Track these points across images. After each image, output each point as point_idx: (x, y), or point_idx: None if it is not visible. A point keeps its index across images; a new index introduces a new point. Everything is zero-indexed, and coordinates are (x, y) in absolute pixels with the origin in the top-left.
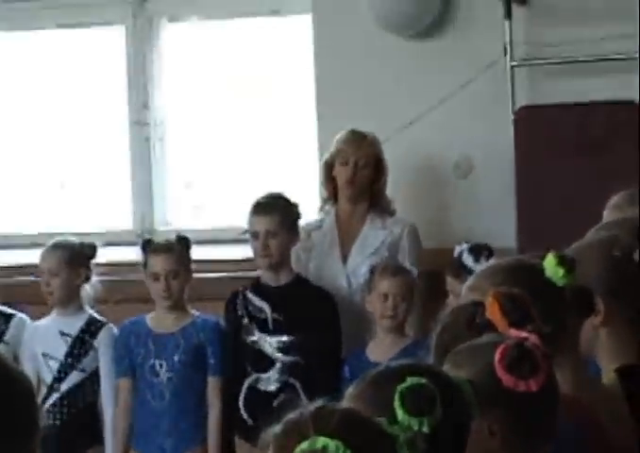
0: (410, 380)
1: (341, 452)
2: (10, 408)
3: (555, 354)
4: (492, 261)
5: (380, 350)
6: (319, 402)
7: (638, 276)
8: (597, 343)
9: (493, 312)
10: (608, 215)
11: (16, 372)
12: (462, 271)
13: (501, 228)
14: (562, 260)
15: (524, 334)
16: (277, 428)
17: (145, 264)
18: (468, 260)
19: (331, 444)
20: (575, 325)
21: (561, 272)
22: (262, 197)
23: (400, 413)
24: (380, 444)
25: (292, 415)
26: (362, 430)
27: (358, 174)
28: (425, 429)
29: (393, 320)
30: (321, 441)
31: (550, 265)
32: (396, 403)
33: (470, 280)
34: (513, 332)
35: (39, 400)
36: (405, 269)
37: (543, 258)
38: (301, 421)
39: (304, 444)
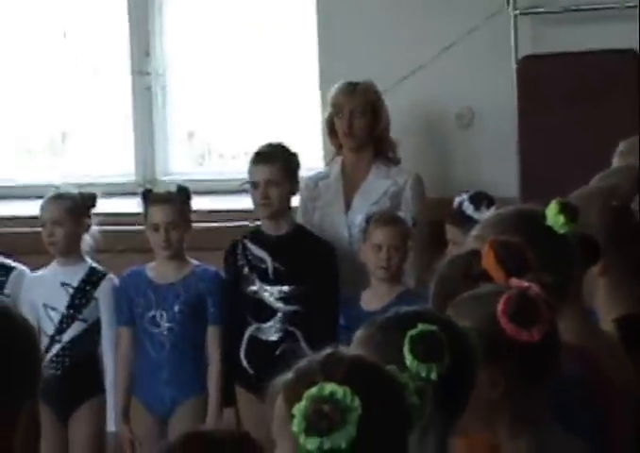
0: (420, 327)
1: (349, 399)
2: (13, 354)
3: (558, 303)
4: (496, 211)
5: (374, 299)
6: (329, 349)
7: (636, 226)
8: (596, 292)
9: (488, 262)
10: (616, 162)
11: (20, 319)
12: (462, 219)
13: (503, 178)
14: (564, 208)
15: (525, 284)
16: (287, 376)
17: (146, 215)
18: (469, 208)
19: (339, 390)
20: (579, 274)
21: (562, 219)
22: (263, 146)
23: (409, 359)
24: (389, 392)
25: (301, 363)
26: (370, 378)
27: (354, 123)
28: (433, 376)
29: (386, 271)
30: (329, 387)
31: (552, 213)
32: (406, 348)
33: (475, 230)
34: (514, 282)
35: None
36: (399, 219)
37: (546, 206)
38: (311, 368)
39: (312, 390)
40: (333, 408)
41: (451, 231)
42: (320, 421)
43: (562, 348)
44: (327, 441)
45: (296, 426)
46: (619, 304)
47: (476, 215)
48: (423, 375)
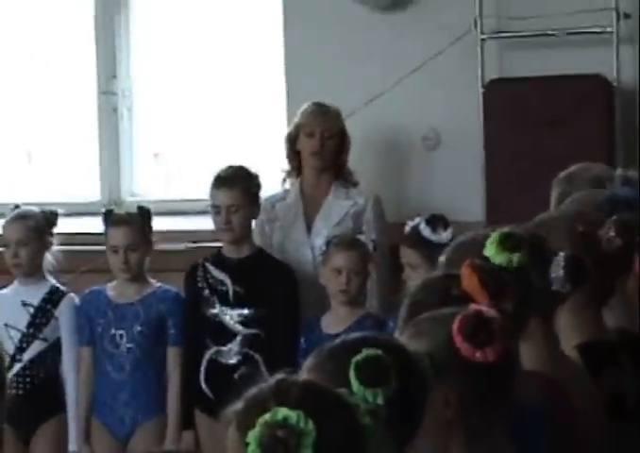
0: (365, 352)
1: (303, 423)
2: None
3: (519, 330)
4: (460, 236)
5: (334, 322)
6: (279, 375)
7: (601, 253)
8: (558, 318)
9: (471, 285)
10: (555, 191)
11: None
12: (419, 242)
13: (469, 202)
14: (502, 239)
15: (484, 307)
16: (238, 404)
17: (106, 236)
18: (425, 230)
19: (293, 414)
20: (544, 303)
21: (494, 249)
22: (223, 170)
23: (356, 385)
24: (342, 414)
25: (252, 390)
26: (322, 401)
27: (325, 145)
28: (379, 401)
29: (346, 294)
30: (282, 412)
31: (490, 243)
32: (352, 374)
33: (445, 253)
34: (473, 305)
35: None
36: (359, 242)
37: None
38: (262, 394)
39: (266, 416)
40: (288, 433)
41: (407, 254)
42: (276, 447)
43: (526, 375)
44: None
45: None
46: (582, 330)
47: (433, 237)
48: (369, 399)
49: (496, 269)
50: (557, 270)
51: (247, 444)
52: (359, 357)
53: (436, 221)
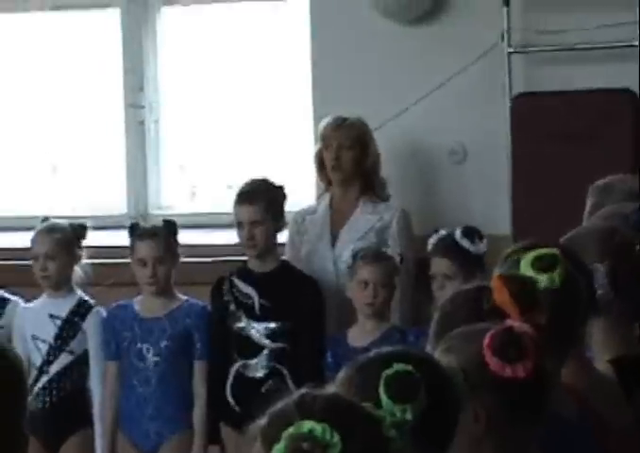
0: (395, 367)
1: (328, 435)
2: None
3: (563, 346)
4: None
5: (361, 335)
6: (303, 389)
7: (637, 268)
8: (593, 332)
9: (502, 298)
10: (590, 201)
11: (6, 351)
12: (455, 252)
13: (495, 216)
14: (535, 260)
15: (517, 323)
16: (262, 420)
17: (132, 249)
18: (463, 241)
19: (318, 427)
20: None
21: (530, 272)
22: (245, 185)
23: (384, 399)
24: (367, 427)
25: (276, 405)
26: (347, 413)
27: (341, 157)
28: (408, 417)
29: (372, 307)
30: (307, 424)
31: (524, 264)
32: (381, 389)
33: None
34: (508, 321)
35: (28, 383)
36: (386, 256)
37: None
38: (286, 409)
39: (290, 429)
40: (313, 445)
41: (441, 264)
42: None
43: (561, 390)
44: None
45: None
46: (616, 345)
47: (472, 248)
48: (398, 415)
49: (527, 282)
50: (600, 279)
51: None
52: (389, 371)
53: (472, 232)
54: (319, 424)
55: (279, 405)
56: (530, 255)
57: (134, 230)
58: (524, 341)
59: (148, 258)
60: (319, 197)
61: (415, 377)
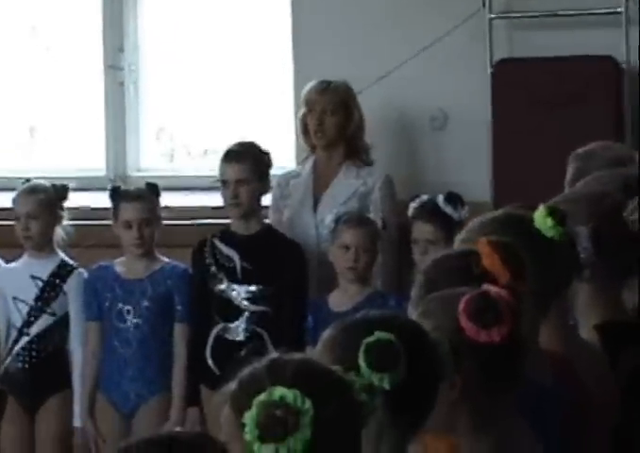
0: (377, 335)
1: (299, 401)
2: None
3: (541, 309)
4: (483, 215)
5: (342, 300)
6: (273, 355)
7: (623, 234)
8: (577, 298)
9: (493, 263)
10: (571, 168)
11: None
12: (438, 217)
13: (475, 181)
14: (552, 212)
15: (493, 287)
16: (231, 385)
17: (116, 212)
18: (447, 207)
19: (289, 393)
20: (564, 280)
21: (550, 223)
22: (234, 145)
23: (363, 366)
24: (338, 391)
25: (246, 371)
26: (318, 379)
27: (325, 121)
28: (385, 385)
29: (353, 271)
30: (278, 391)
31: (540, 216)
32: (360, 356)
33: (462, 233)
34: (487, 286)
35: (8, 344)
36: (369, 220)
37: (532, 210)
38: (256, 374)
39: (262, 396)
40: (286, 412)
41: (424, 229)
42: (274, 427)
43: (540, 356)
44: (282, 446)
45: (249, 434)
46: (601, 310)
47: (455, 214)
48: (375, 383)
49: (515, 248)
50: (583, 241)
51: (244, 425)
52: (370, 338)
53: (455, 198)
54: (290, 390)
55: (249, 370)
56: (544, 208)
57: (117, 193)
58: (500, 305)
59: (134, 220)
60: (302, 162)
61: (396, 347)
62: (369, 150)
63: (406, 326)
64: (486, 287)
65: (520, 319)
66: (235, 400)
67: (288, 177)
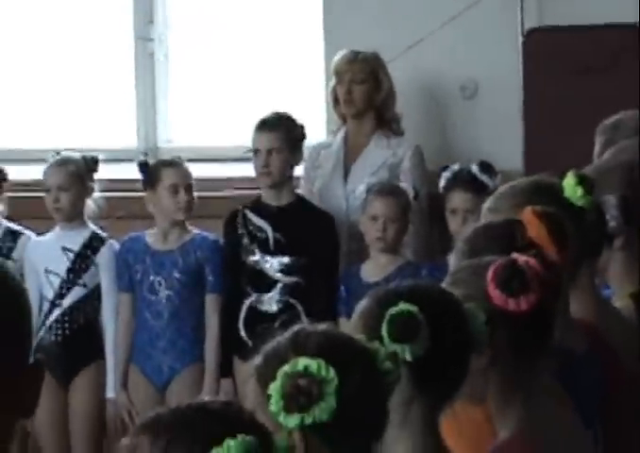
0: (401, 306)
1: (324, 371)
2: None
3: (572, 277)
4: (509, 183)
5: (374, 270)
6: (296, 327)
7: None
8: (611, 267)
9: (539, 234)
10: (600, 140)
11: (12, 285)
12: (475, 187)
13: (506, 151)
14: (581, 180)
15: (522, 256)
16: (257, 359)
17: (153, 180)
18: (483, 176)
19: (313, 363)
20: (595, 248)
21: (580, 192)
22: (268, 115)
23: (385, 337)
24: (361, 360)
25: (270, 343)
26: (341, 348)
27: (354, 90)
28: (407, 357)
29: (382, 241)
30: (302, 362)
31: (570, 185)
32: (383, 327)
33: (489, 202)
34: (517, 256)
35: (41, 316)
36: (399, 190)
37: (561, 178)
38: (280, 347)
39: (286, 367)
40: (310, 381)
41: (464, 199)
42: (299, 396)
43: (572, 324)
44: (308, 416)
45: (274, 405)
46: (636, 278)
47: (490, 183)
48: (398, 354)
49: (560, 218)
50: (611, 210)
51: (269, 397)
52: (393, 310)
53: (488, 167)
54: (314, 360)
55: (274, 343)
56: (574, 175)
57: (145, 166)
58: (527, 274)
59: (182, 183)
60: (334, 132)
61: (417, 319)
62: (399, 120)
63: (433, 296)
64: (515, 255)
65: (550, 288)
66: (260, 372)
67: (319, 148)
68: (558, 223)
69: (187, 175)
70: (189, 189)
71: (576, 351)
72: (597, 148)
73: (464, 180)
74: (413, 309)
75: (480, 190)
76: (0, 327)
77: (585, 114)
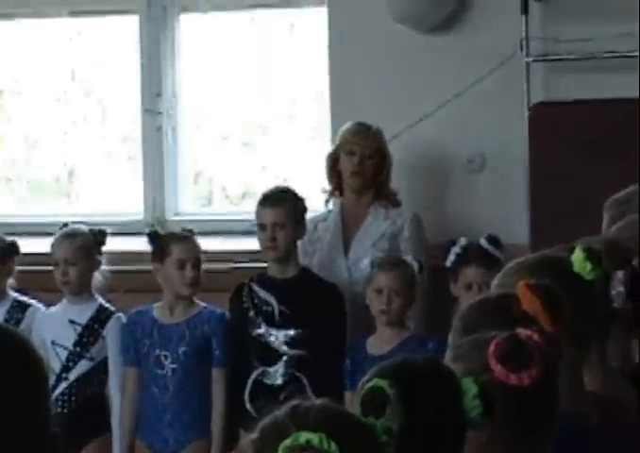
0: (373, 381)
1: (325, 444)
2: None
3: (583, 351)
4: (517, 259)
5: (379, 343)
6: (293, 401)
7: None
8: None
9: (534, 307)
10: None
11: (31, 349)
12: (487, 261)
13: (513, 224)
14: (589, 254)
15: (524, 330)
16: (254, 433)
17: (162, 254)
18: (492, 249)
19: (314, 437)
20: (607, 320)
21: (589, 266)
22: (271, 190)
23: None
24: (361, 434)
25: (267, 419)
26: (341, 422)
27: (365, 164)
28: (379, 431)
29: (387, 314)
30: (304, 435)
31: (578, 259)
32: (357, 402)
33: (497, 278)
34: (520, 329)
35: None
36: (403, 263)
37: (570, 252)
38: (279, 421)
39: (287, 441)
40: None
41: (478, 274)
42: None
43: (583, 397)
44: None
45: None
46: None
47: (500, 256)
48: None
49: (555, 291)
50: (617, 286)
51: None
52: (368, 385)
53: (495, 240)
54: (315, 434)
55: (271, 418)
56: (582, 250)
57: (163, 235)
58: (530, 348)
59: (188, 259)
60: (325, 204)
61: (384, 394)
62: (396, 193)
63: (414, 371)
64: (519, 330)
65: (553, 362)
66: (258, 447)
67: (315, 221)
68: (551, 295)
69: (195, 249)
70: (197, 264)
71: (586, 422)
72: (604, 224)
73: (477, 255)
74: (383, 383)
75: (492, 264)
76: (23, 398)
77: (592, 189)
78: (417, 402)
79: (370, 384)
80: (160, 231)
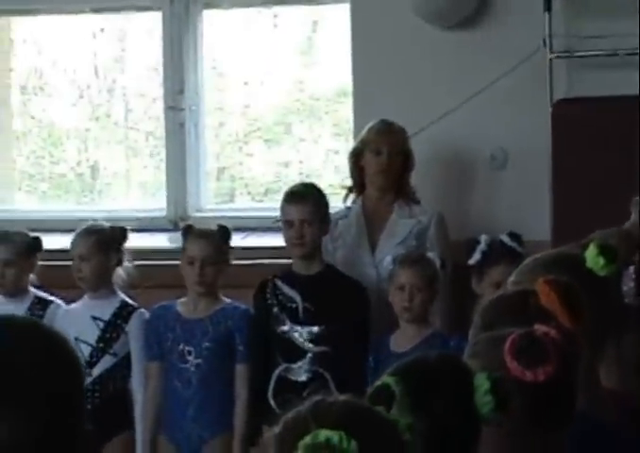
0: (384, 378)
1: (345, 443)
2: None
3: (598, 348)
4: (532, 256)
5: (402, 341)
6: (316, 397)
7: None
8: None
9: (552, 303)
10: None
11: (67, 345)
12: (514, 258)
13: (535, 221)
14: (603, 250)
15: (540, 326)
16: (276, 428)
17: (184, 249)
18: (515, 245)
19: (334, 435)
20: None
21: (602, 262)
22: (296, 186)
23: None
24: (383, 431)
25: (289, 414)
26: (362, 419)
27: (393, 162)
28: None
29: (409, 311)
30: (323, 433)
31: (592, 255)
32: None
33: (513, 275)
34: (537, 326)
35: None
36: (425, 259)
37: (584, 248)
38: (300, 417)
39: (307, 439)
40: None
41: (507, 272)
42: None
43: (600, 394)
44: None
45: None
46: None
47: (523, 252)
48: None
49: (574, 287)
50: (628, 282)
51: None
52: (378, 382)
53: (517, 236)
54: (335, 432)
55: (293, 413)
56: (597, 245)
57: (188, 231)
58: (545, 345)
59: (197, 257)
60: (344, 201)
61: (390, 391)
62: (415, 190)
63: (425, 367)
64: (537, 327)
65: (569, 358)
66: (280, 443)
67: (336, 219)
68: (571, 291)
69: (206, 249)
70: (208, 262)
71: (603, 421)
72: (631, 220)
73: (503, 253)
74: (390, 380)
75: (519, 262)
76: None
77: (615, 185)
78: (426, 399)
79: (378, 382)
80: (194, 227)
